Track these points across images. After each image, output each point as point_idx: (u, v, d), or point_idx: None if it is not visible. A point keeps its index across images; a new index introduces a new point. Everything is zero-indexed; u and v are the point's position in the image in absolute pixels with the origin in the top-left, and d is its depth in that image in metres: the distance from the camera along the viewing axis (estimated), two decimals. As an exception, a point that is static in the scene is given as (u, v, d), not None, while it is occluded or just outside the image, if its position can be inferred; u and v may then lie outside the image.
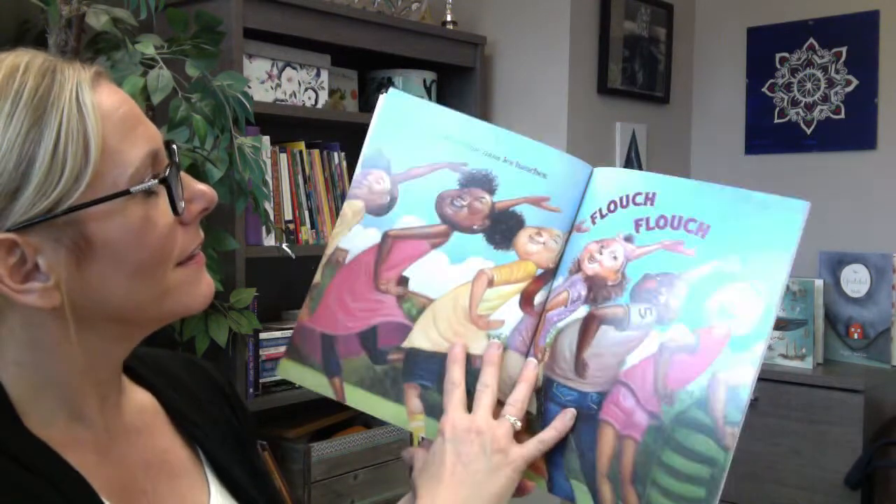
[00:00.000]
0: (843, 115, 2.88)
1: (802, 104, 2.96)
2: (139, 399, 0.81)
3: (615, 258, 0.88)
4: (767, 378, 2.46)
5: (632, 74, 2.89)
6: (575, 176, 0.92)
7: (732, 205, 0.84)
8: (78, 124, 0.64)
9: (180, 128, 1.57)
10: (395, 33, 2.43)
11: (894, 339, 2.52)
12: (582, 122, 2.73)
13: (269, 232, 2.13)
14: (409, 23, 2.49)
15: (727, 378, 0.80)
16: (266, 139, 2.09)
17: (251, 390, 2.06)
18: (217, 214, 1.92)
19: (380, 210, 0.92)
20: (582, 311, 0.88)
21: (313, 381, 0.93)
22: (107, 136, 0.65)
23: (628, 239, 0.88)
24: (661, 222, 0.87)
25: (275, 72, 2.20)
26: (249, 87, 1.88)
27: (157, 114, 2.03)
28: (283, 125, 2.21)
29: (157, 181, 0.68)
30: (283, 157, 2.21)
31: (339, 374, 0.92)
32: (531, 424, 0.89)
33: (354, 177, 0.93)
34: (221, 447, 0.85)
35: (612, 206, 0.90)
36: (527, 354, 0.90)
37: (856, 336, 2.59)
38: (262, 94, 2.16)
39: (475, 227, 0.91)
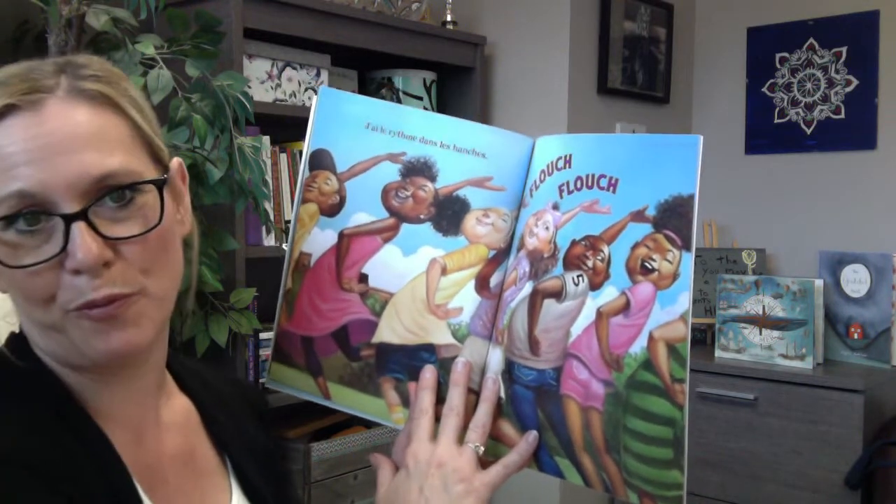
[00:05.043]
0: (843, 115, 2.88)
1: (802, 104, 2.96)
2: (179, 402, 0.86)
3: (547, 229, 0.87)
4: (767, 378, 2.46)
5: (632, 74, 2.89)
6: (515, 151, 0.90)
7: (634, 153, 0.82)
8: None
9: (180, 128, 1.57)
10: (395, 33, 2.42)
11: (894, 339, 2.52)
12: (582, 122, 2.73)
13: (269, 232, 2.13)
14: (409, 23, 2.49)
15: (663, 335, 0.79)
16: (266, 139, 2.09)
17: (251, 390, 2.06)
18: (217, 214, 1.93)
19: (332, 210, 0.93)
20: (528, 288, 0.87)
21: (301, 382, 0.95)
22: None
23: (555, 207, 0.86)
24: (579, 184, 0.85)
25: (275, 72, 2.20)
26: (249, 87, 1.88)
27: (158, 114, 2.03)
28: (283, 125, 2.21)
29: None
30: (283, 157, 2.21)
31: (322, 374, 0.94)
32: (502, 410, 0.89)
33: (302, 180, 0.93)
34: (248, 458, 0.88)
35: (542, 176, 0.88)
36: (489, 338, 0.90)
37: (856, 336, 2.59)
38: (262, 94, 2.16)
39: (421, 216, 0.91)
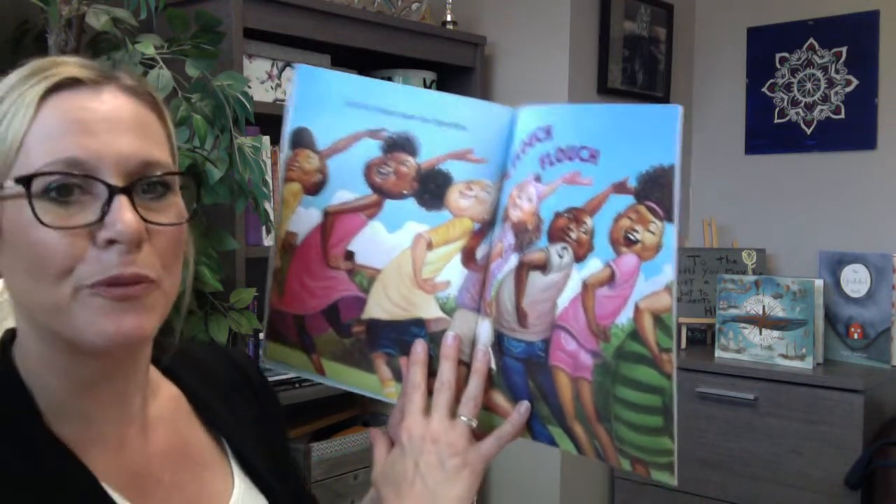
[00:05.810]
0: (843, 115, 2.88)
1: (802, 104, 2.96)
2: (165, 393, 0.84)
3: (530, 201, 0.86)
4: (767, 378, 2.46)
5: (632, 74, 2.89)
6: (495, 123, 0.89)
7: (614, 124, 0.81)
8: (11, 122, 0.69)
9: (180, 128, 1.57)
10: (395, 33, 2.43)
11: (894, 339, 2.52)
12: (582, 122, 2.72)
13: (269, 232, 2.13)
14: (409, 23, 2.49)
15: (648, 306, 0.79)
16: (266, 139, 2.08)
17: (251, 390, 2.06)
18: (217, 214, 1.93)
19: (314, 189, 0.93)
20: (513, 260, 0.87)
21: (296, 360, 0.95)
22: (28, 137, 0.69)
23: (538, 179, 0.86)
24: (560, 155, 0.84)
25: (275, 72, 2.20)
26: (249, 87, 1.88)
27: (157, 114, 2.03)
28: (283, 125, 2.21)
29: (16, 183, 0.68)
30: (283, 157, 2.21)
31: (315, 351, 0.94)
32: (493, 381, 0.89)
33: (283, 159, 0.93)
34: (246, 439, 0.87)
35: (523, 147, 0.88)
36: (478, 310, 0.90)
37: (856, 336, 2.59)
38: (262, 94, 2.16)
39: (404, 191, 0.90)
